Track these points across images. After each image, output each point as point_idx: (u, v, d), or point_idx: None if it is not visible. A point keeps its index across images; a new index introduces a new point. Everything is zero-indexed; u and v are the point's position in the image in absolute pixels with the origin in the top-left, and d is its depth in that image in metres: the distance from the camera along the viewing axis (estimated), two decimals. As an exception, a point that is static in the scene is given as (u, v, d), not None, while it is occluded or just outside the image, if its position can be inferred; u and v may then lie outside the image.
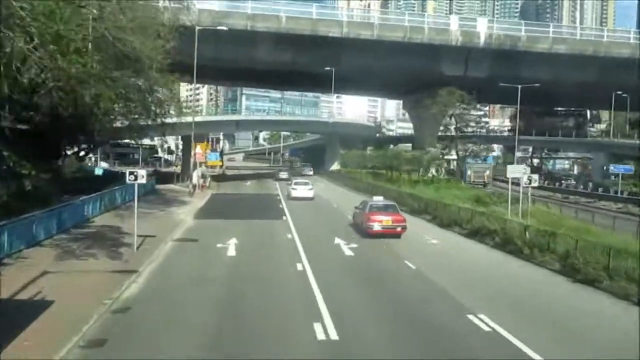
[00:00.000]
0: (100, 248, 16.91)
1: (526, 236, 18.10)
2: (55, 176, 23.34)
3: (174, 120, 28.27)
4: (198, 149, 40.55)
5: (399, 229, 21.45)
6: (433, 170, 49.40)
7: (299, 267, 15.73)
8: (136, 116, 28.03)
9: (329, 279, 14.25)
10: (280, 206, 33.27)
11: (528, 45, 54.37)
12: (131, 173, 16.56)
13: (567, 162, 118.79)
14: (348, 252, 18.24)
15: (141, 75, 24.36)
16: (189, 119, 41.42)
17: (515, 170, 23.41)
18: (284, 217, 27.62)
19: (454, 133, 45.04)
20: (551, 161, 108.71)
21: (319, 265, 15.98)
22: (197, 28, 40.38)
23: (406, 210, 30.37)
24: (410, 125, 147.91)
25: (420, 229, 24.33)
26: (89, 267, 14.57)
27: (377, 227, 21.17)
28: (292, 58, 51.40)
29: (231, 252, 17.95)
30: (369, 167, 53.15)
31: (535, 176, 20.49)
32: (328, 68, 52.87)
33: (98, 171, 50.36)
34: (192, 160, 41.45)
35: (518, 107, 60.07)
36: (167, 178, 48.91)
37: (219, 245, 18.92)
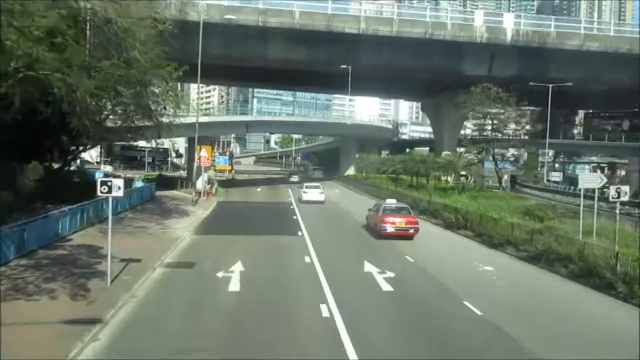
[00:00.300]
0: (64, 280, 12.97)
1: (617, 267, 13.86)
2: (20, 184, 19.50)
3: (171, 119, 24.22)
4: (203, 152, 36.62)
5: (411, 230, 21.93)
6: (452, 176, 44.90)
7: (324, 311, 11.62)
8: (130, 113, 24.27)
9: (368, 336, 10.17)
10: (294, 217, 29.23)
11: (558, 42, 50.52)
12: (103, 183, 12.61)
13: (587, 167, 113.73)
14: (385, 286, 14.10)
15: (132, 65, 20.62)
16: (194, 119, 37.69)
17: (590, 180, 19.11)
18: (300, 233, 23.50)
19: (488, 134, 40.53)
20: (571, 166, 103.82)
21: (351, 307, 11.90)
22: (203, 18, 36.93)
23: (441, 224, 26.33)
24: (424, 128, 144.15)
25: (465, 251, 20.17)
26: (38, 312, 10.61)
27: (390, 228, 21.74)
28: (306, 56, 48.17)
29: (234, 284, 13.90)
30: (389, 172, 48.90)
31: (626, 188, 16.22)
32: (344, 66, 49.27)
33: (99, 175, 46.63)
34: (195, 164, 37.48)
35: (549, 108, 55.82)
36: (172, 183, 45.19)
37: (219, 274, 14.89)
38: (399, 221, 21.83)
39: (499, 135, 39.50)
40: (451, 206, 26.43)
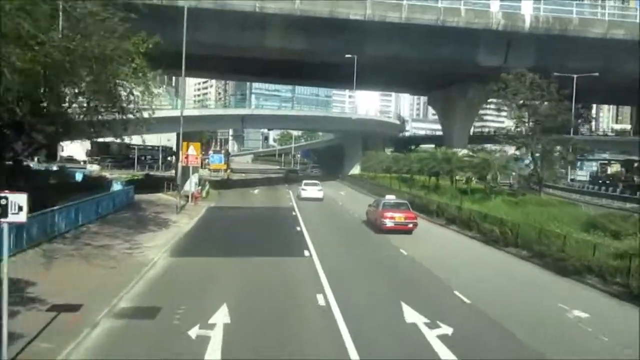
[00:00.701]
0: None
1: None
2: None
3: (143, 109, 19.07)
4: (191, 151, 31.61)
5: (410, 225, 22.76)
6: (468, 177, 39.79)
7: None
8: (92, 102, 19.26)
9: None
10: (298, 229, 24.21)
11: (580, 29, 46.64)
12: (-9, 201, 7.61)
13: (594, 164, 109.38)
14: (445, 353, 9.01)
15: (89, 37, 15.74)
16: (184, 112, 32.67)
17: None
18: (306, 252, 18.45)
19: (527, 128, 35.50)
20: (578, 163, 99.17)
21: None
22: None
23: (478, 238, 21.41)
24: (426, 125, 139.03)
25: (531, 281, 15.12)
26: None
27: (389, 223, 22.52)
28: (307, 45, 44.32)
29: (213, 354, 8.94)
30: (403, 171, 43.94)
31: None
32: (349, 56, 44.87)
33: (78, 176, 41.66)
34: (180, 164, 32.47)
35: (574, 100, 51.00)
36: (159, 185, 40.19)
37: (193, 331, 9.83)
38: (398, 216, 22.73)
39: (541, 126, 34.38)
40: (493, 216, 21.43)
